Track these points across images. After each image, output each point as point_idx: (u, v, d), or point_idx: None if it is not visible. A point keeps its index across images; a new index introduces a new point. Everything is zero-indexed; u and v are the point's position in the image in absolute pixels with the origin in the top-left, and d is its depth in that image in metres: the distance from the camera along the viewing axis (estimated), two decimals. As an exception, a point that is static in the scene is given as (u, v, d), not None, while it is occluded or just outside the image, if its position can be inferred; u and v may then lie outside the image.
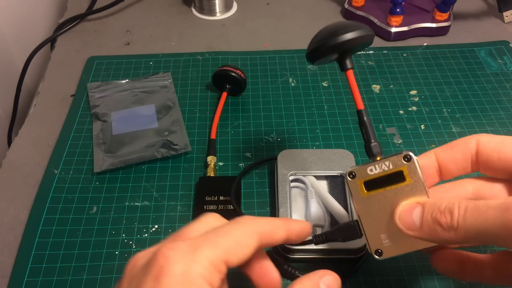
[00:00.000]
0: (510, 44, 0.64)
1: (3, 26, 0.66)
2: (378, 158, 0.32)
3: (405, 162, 0.31)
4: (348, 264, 0.40)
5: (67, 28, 0.67)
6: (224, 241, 0.26)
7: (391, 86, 0.58)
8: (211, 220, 0.28)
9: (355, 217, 0.40)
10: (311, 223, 0.36)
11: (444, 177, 0.33)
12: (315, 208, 0.42)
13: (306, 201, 0.43)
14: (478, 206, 0.27)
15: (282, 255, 0.40)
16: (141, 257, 0.26)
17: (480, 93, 0.57)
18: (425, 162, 0.32)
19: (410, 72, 0.60)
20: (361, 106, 0.33)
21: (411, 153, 0.30)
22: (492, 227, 0.26)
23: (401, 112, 0.54)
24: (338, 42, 0.32)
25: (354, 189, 0.31)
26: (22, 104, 0.67)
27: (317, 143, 0.51)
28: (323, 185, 0.45)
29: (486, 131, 0.52)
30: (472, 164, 0.32)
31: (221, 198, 0.44)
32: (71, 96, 0.57)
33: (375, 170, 0.31)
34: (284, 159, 0.45)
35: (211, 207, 0.43)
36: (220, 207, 0.43)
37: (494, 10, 0.70)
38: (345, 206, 0.42)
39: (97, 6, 0.70)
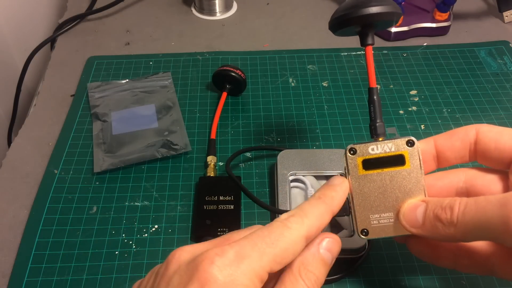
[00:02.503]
0: (510, 44, 0.64)
1: (3, 26, 0.66)
2: (380, 139, 0.32)
3: (407, 147, 0.31)
4: (348, 264, 0.40)
5: (67, 28, 0.67)
6: (272, 250, 0.25)
7: (391, 86, 0.58)
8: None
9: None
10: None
11: (441, 165, 0.33)
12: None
13: (306, 200, 0.43)
14: (478, 202, 0.27)
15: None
16: (186, 252, 0.26)
17: (480, 93, 0.57)
18: (423, 148, 0.32)
19: (410, 72, 0.60)
20: (373, 84, 0.33)
21: (414, 139, 0.31)
22: (490, 222, 0.26)
23: (401, 112, 0.54)
24: (363, 14, 0.32)
25: (351, 166, 0.31)
26: (22, 104, 0.67)
27: (317, 143, 0.51)
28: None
29: (486, 131, 0.52)
30: (470, 153, 0.32)
31: (221, 198, 0.44)
32: (71, 96, 0.57)
33: (376, 150, 0.31)
34: (284, 159, 0.45)
35: (211, 207, 0.43)
36: (220, 207, 0.43)
37: (494, 10, 0.70)
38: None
39: (97, 6, 0.70)
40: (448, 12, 0.64)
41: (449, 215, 0.27)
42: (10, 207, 0.45)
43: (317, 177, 0.45)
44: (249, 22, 0.70)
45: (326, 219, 0.28)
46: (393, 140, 0.31)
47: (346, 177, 0.32)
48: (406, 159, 0.31)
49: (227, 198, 0.44)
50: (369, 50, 0.33)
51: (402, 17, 0.63)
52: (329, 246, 0.28)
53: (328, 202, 0.29)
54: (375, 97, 0.32)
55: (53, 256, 0.41)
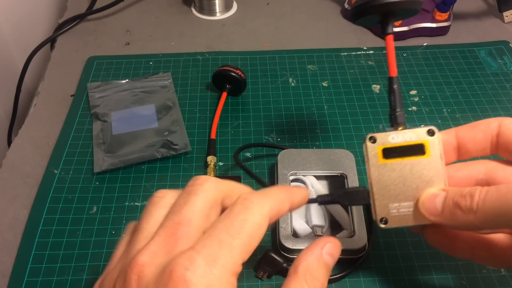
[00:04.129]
0: (510, 44, 0.64)
1: (3, 26, 0.66)
2: (400, 128, 0.32)
3: (428, 136, 0.31)
4: (348, 264, 0.40)
5: (67, 28, 0.67)
6: (239, 241, 0.23)
7: (391, 86, 0.58)
8: (208, 194, 0.25)
9: (355, 217, 0.40)
10: (309, 193, 0.35)
11: (461, 157, 0.33)
12: (315, 208, 0.42)
13: (306, 201, 0.43)
14: (500, 189, 0.26)
15: (281, 254, 0.40)
16: (148, 265, 0.23)
17: (480, 93, 0.57)
18: (444, 138, 0.32)
19: (410, 72, 0.60)
20: (394, 73, 0.33)
21: (435, 128, 0.31)
22: (511, 209, 0.25)
23: (401, 112, 0.54)
24: (385, 2, 0.32)
25: (371, 154, 0.31)
26: (22, 104, 0.67)
27: (317, 143, 0.51)
28: (323, 185, 0.45)
29: (486, 131, 0.52)
30: (492, 146, 0.31)
31: (221, 198, 0.44)
32: (71, 96, 0.57)
33: (396, 138, 0.31)
34: (284, 159, 0.45)
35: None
36: (220, 207, 0.43)
37: (494, 10, 0.70)
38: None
39: (97, 6, 0.70)
40: (448, 12, 0.64)
41: (469, 202, 0.27)
42: (10, 207, 0.45)
43: (317, 177, 0.45)
44: (249, 22, 0.70)
45: (286, 206, 0.27)
46: (413, 129, 0.31)
47: (365, 166, 0.32)
48: (426, 149, 0.31)
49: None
50: (390, 39, 0.33)
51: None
52: (331, 251, 0.27)
53: (290, 192, 0.28)
54: (395, 86, 0.33)
55: (53, 256, 0.41)
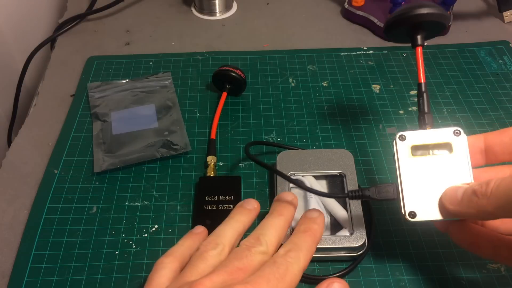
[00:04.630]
0: (510, 44, 0.64)
1: (3, 26, 0.66)
2: (428, 128, 0.35)
3: (454, 136, 0.33)
4: (348, 263, 0.40)
5: (67, 28, 0.67)
6: (282, 285, 0.28)
7: (391, 86, 0.58)
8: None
9: (355, 217, 0.41)
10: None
11: (489, 160, 0.34)
12: (314, 208, 0.42)
13: (305, 201, 0.43)
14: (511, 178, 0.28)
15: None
16: None
17: (480, 93, 0.57)
18: (473, 141, 0.34)
19: (410, 72, 0.60)
20: (423, 80, 0.37)
21: (460, 129, 0.33)
22: None
23: (401, 112, 0.54)
24: (415, 14, 0.36)
25: (401, 151, 0.34)
26: (22, 104, 0.67)
27: (317, 143, 0.51)
28: (322, 185, 0.45)
29: (486, 131, 0.51)
30: None
31: (221, 198, 0.44)
32: (71, 96, 0.57)
33: (425, 137, 0.34)
34: (283, 159, 0.45)
35: (211, 207, 0.43)
36: (220, 207, 0.43)
37: (494, 10, 0.70)
38: (344, 206, 0.42)
39: (97, 6, 0.70)
40: (448, 12, 0.64)
41: (484, 188, 0.29)
42: (10, 207, 0.45)
43: (317, 177, 0.45)
44: (249, 22, 0.70)
45: (314, 249, 0.32)
46: (441, 129, 0.33)
47: (394, 163, 0.34)
48: (452, 147, 0.33)
49: (227, 198, 0.44)
50: (419, 50, 0.38)
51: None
52: None
53: (313, 235, 0.33)
54: (423, 90, 0.36)
55: (53, 256, 0.41)
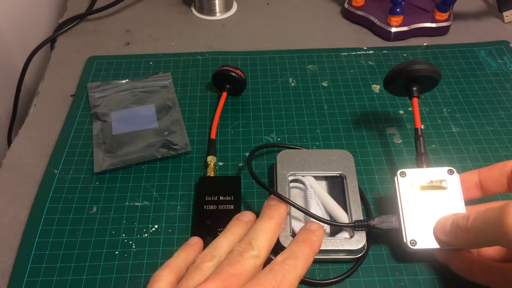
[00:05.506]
0: (510, 44, 0.64)
1: (3, 26, 0.66)
2: (425, 166, 0.39)
3: (448, 174, 0.38)
4: (348, 264, 0.40)
5: (67, 28, 0.67)
6: None
7: (391, 86, 0.58)
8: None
9: (354, 217, 0.40)
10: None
11: (485, 193, 0.38)
12: (314, 209, 0.42)
13: (305, 201, 0.43)
14: (487, 210, 0.31)
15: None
16: None
17: (480, 93, 0.57)
18: (467, 177, 0.38)
19: (410, 72, 0.60)
20: (419, 125, 0.42)
21: (453, 169, 0.38)
22: (492, 226, 0.30)
23: (401, 112, 0.54)
24: (410, 69, 0.43)
25: (402, 186, 0.38)
26: (22, 104, 0.68)
27: (317, 143, 0.51)
28: (322, 186, 0.45)
29: (486, 131, 0.52)
30: (508, 182, 0.36)
31: (221, 198, 0.44)
32: (71, 96, 0.57)
33: (422, 174, 0.38)
34: (283, 159, 0.45)
35: (211, 207, 0.43)
36: (220, 207, 0.43)
37: (494, 10, 0.70)
38: (344, 206, 0.42)
39: (97, 6, 0.70)
40: (448, 12, 0.64)
41: (465, 222, 0.33)
42: (10, 207, 0.45)
43: (317, 178, 0.45)
44: (249, 22, 0.70)
45: (311, 260, 0.33)
46: (436, 168, 0.38)
47: (395, 197, 0.38)
48: (447, 184, 0.38)
49: (227, 198, 0.44)
50: (415, 101, 0.44)
51: (402, 17, 0.63)
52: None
53: (311, 245, 0.34)
54: (420, 134, 0.41)
55: (53, 256, 0.41)
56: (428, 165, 0.39)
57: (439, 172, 0.38)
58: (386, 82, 0.46)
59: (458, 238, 0.34)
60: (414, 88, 0.44)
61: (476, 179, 0.38)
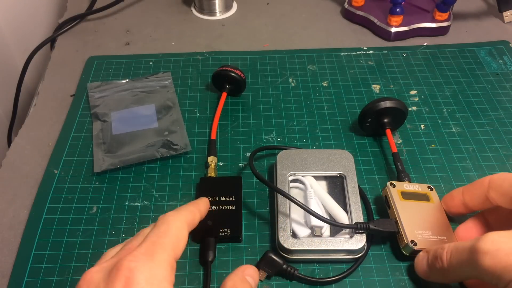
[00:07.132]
0: (510, 44, 0.64)
1: (3, 26, 0.66)
2: (407, 181, 0.44)
3: (429, 190, 0.43)
4: (347, 264, 0.40)
5: (67, 28, 0.67)
6: (168, 240, 0.30)
7: (391, 86, 0.58)
8: (143, 230, 0.33)
9: (354, 217, 0.41)
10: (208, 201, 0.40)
11: (470, 209, 0.40)
12: (314, 209, 0.42)
13: (305, 201, 0.43)
14: (459, 249, 0.33)
15: (281, 255, 0.40)
16: (95, 272, 0.28)
17: (480, 93, 0.57)
18: (455, 194, 0.41)
19: (410, 72, 0.60)
20: (395, 149, 0.47)
21: (432, 186, 0.43)
22: (466, 266, 0.32)
23: (401, 112, 0.54)
24: (379, 107, 0.47)
25: (394, 195, 0.42)
26: (22, 104, 0.68)
27: (317, 143, 0.51)
28: (322, 186, 0.45)
29: (486, 131, 0.52)
30: (488, 198, 0.38)
31: (222, 198, 0.44)
32: (71, 96, 0.57)
33: (409, 187, 0.43)
34: (283, 159, 0.45)
35: (212, 207, 0.43)
36: (221, 207, 0.43)
37: (494, 10, 0.70)
38: (344, 206, 0.42)
39: (97, 6, 0.70)
40: (448, 12, 0.64)
41: (441, 264, 0.34)
42: (10, 207, 0.45)
43: (317, 178, 0.45)
44: (249, 22, 0.70)
45: (197, 214, 0.35)
46: (418, 184, 0.43)
47: (389, 206, 0.42)
48: (430, 197, 0.42)
49: (228, 198, 0.44)
50: (389, 132, 0.48)
51: (402, 17, 0.63)
52: (250, 273, 0.34)
53: (195, 203, 0.37)
54: (398, 157, 0.46)
55: (53, 256, 0.41)
56: (410, 181, 0.44)
57: (422, 187, 0.43)
58: (360, 121, 0.50)
59: (440, 277, 0.36)
60: (386, 120, 0.48)
61: (461, 197, 0.40)
